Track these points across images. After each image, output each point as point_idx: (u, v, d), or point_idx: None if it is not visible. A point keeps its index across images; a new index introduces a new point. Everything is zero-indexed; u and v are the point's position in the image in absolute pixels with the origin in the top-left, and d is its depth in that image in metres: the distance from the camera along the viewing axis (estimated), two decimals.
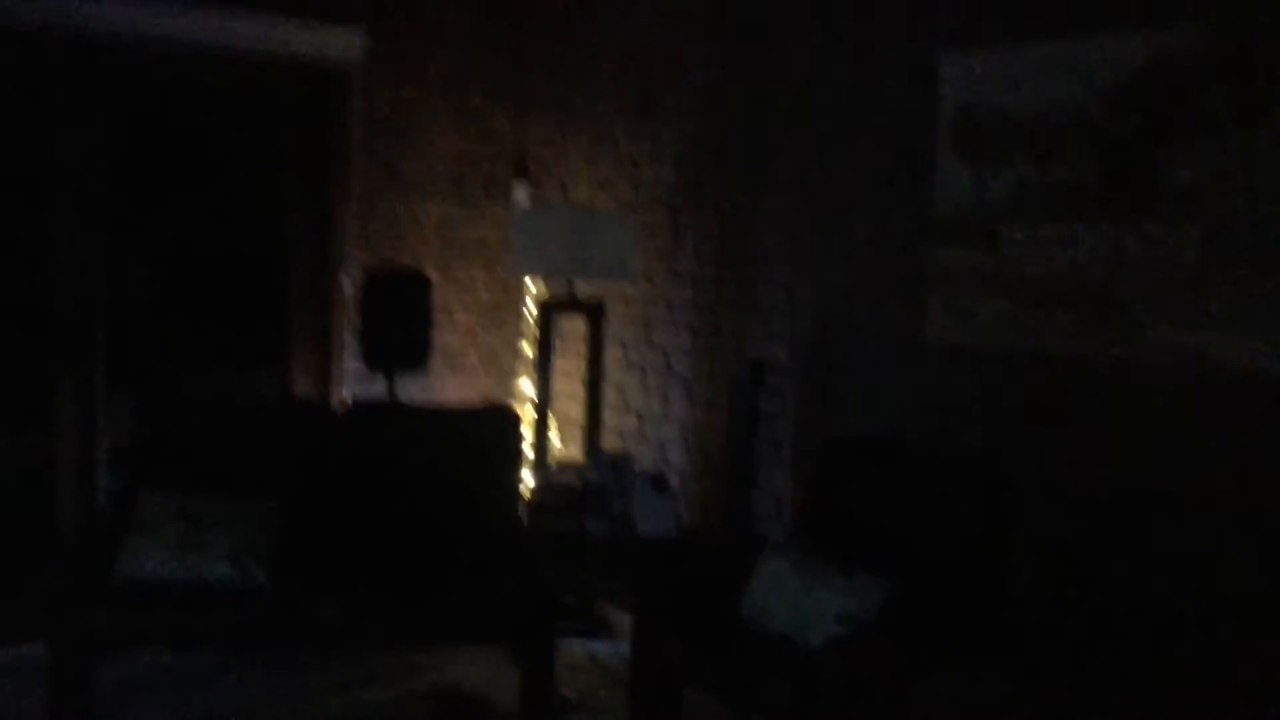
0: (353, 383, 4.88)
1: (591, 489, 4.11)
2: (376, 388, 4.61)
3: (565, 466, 4.43)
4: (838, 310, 4.08)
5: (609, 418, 4.87)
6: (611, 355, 4.87)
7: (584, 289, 4.70)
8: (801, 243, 4.19)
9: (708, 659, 3.34)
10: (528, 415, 4.80)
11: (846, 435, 3.90)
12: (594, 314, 4.61)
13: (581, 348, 4.83)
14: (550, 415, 4.74)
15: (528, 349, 5.15)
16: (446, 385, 5.13)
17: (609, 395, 4.87)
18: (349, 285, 4.81)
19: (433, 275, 4.75)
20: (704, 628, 3.44)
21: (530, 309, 5.15)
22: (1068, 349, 3.44)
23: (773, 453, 4.29)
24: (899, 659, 3.02)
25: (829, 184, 4.09)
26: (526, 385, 5.12)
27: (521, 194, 5.25)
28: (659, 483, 4.13)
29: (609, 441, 4.87)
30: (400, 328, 4.50)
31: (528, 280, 5.17)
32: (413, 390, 4.82)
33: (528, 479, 4.54)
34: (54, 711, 3.45)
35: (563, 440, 5.10)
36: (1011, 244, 3.56)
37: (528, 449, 4.56)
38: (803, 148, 4.19)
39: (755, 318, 4.37)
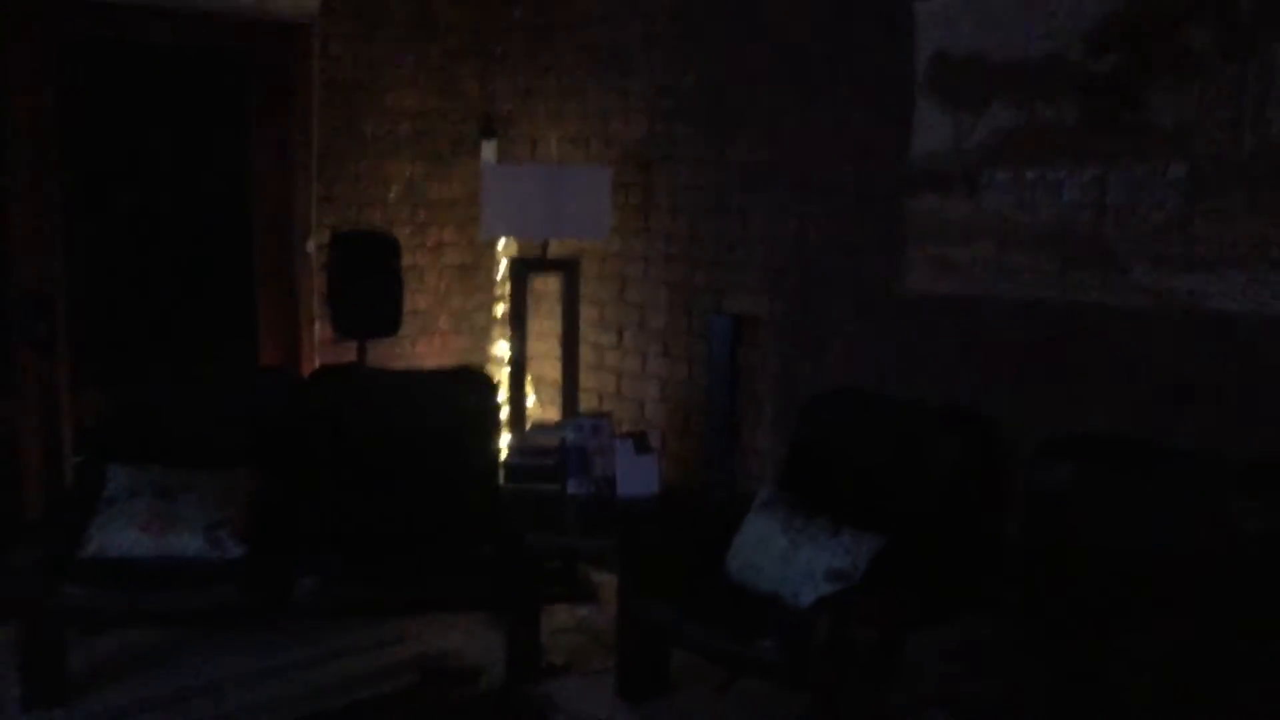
0: (324, 351, 4.77)
1: (571, 450, 4.04)
2: (348, 356, 4.51)
3: (543, 428, 4.36)
4: (818, 262, 4.01)
5: (586, 378, 4.80)
6: (587, 314, 4.79)
7: (557, 247, 4.61)
8: (778, 195, 4.11)
9: (695, 619, 3.30)
10: (503, 377, 4.73)
11: (829, 390, 3.85)
12: (568, 272, 4.53)
13: (556, 307, 4.76)
14: (526, 377, 4.66)
15: (501, 310, 5.05)
16: (419, 350, 5.04)
17: (586, 355, 4.80)
18: (314, 250, 4.68)
19: (401, 237, 4.64)
20: (690, 587, 3.40)
21: (502, 269, 5.03)
22: (1052, 295, 3.39)
23: (754, 409, 4.25)
24: (890, 614, 2.99)
25: (804, 134, 4.01)
26: (501, 347, 5.02)
27: (489, 152, 5.13)
28: (640, 442, 4.07)
29: (587, 402, 4.81)
30: (369, 292, 4.40)
31: (499, 240, 5.04)
32: (385, 356, 4.73)
33: (505, 442, 4.46)
34: (26, 692, 3.39)
35: (540, 402, 5.04)
36: (992, 189, 3.50)
37: (504, 412, 4.48)
38: (776, 99, 4.09)
39: (733, 272, 4.30)
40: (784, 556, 3.34)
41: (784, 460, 3.85)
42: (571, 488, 4.00)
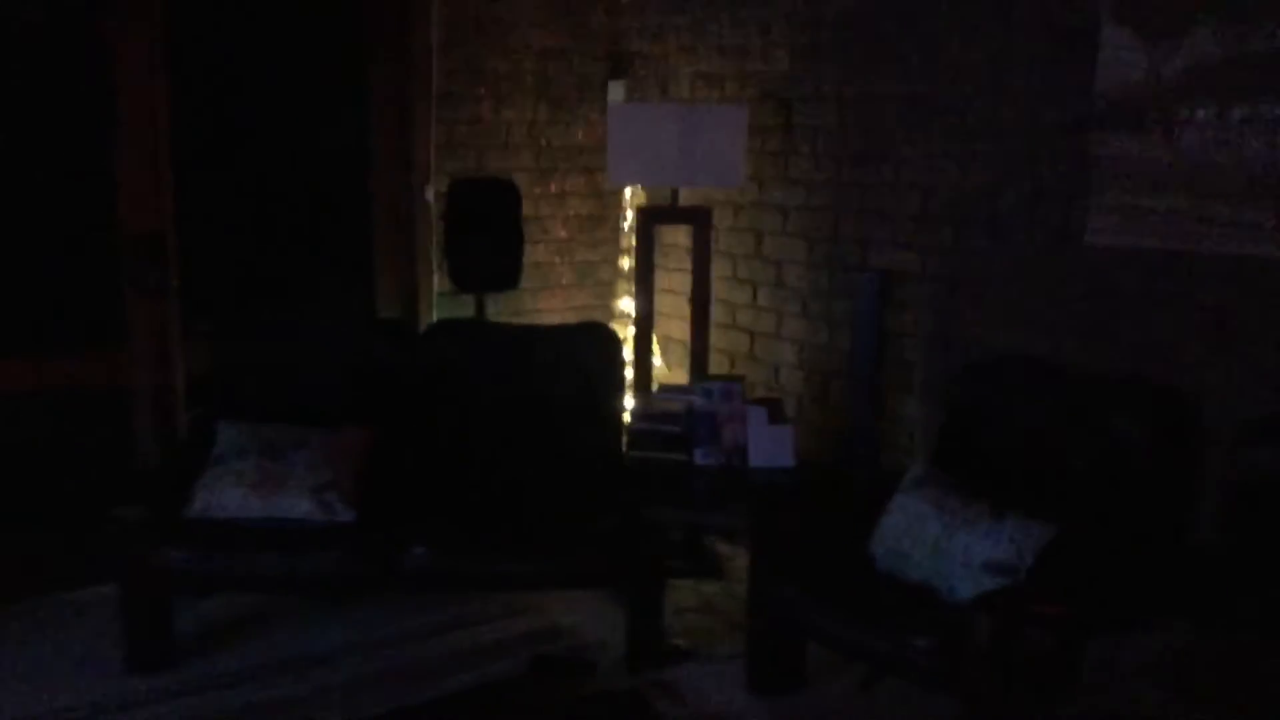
0: (441, 305, 4.58)
1: (699, 417, 3.72)
2: (466, 310, 4.30)
3: (670, 391, 4.05)
4: (979, 212, 3.60)
5: (717, 338, 4.48)
6: (719, 269, 4.48)
7: (688, 196, 4.29)
8: (936, 137, 3.71)
9: (836, 610, 2.99)
10: (628, 336, 4.46)
11: (991, 356, 3.46)
12: (699, 223, 4.19)
13: (686, 261, 4.47)
14: (653, 336, 4.36)
15: (627, 264, 4.77)
16: (540, 305, 4.84)
17: (717, 313, 4.48)
18: (434, 198, 4.45)
19: (523, 185, 4.40)
20: (831, 574, 3.08)
21: (629, 220, 4.74)
22: (1261, 251, 2.92)
23: (902, 376, 3.88)
24: (1068, 617, 2.59)
25: (970, 66, 3.58)
26: (626, 303, 4.75)
27: (618, 93, 4.83)
28: (775, 410, 3.73)
29: (717, 364, 4.51)
30: (489, 243, 4.17)
31: (626, 189, 4.75)
32: (504, 311, 4.53)
33: (629, 405, 4.18)
34: (130, 654, 3.31)
35: (666, 363, 4.76)
36: (1192, 129, 3.05)
37: (629, 372, 4.20)
38: (934, 28, 3.66)
39: (882, 223, 3.91)
40: (937, 543, 3.00)
41: (936, 434, 3.47)
42: (699, 458, 3.68)
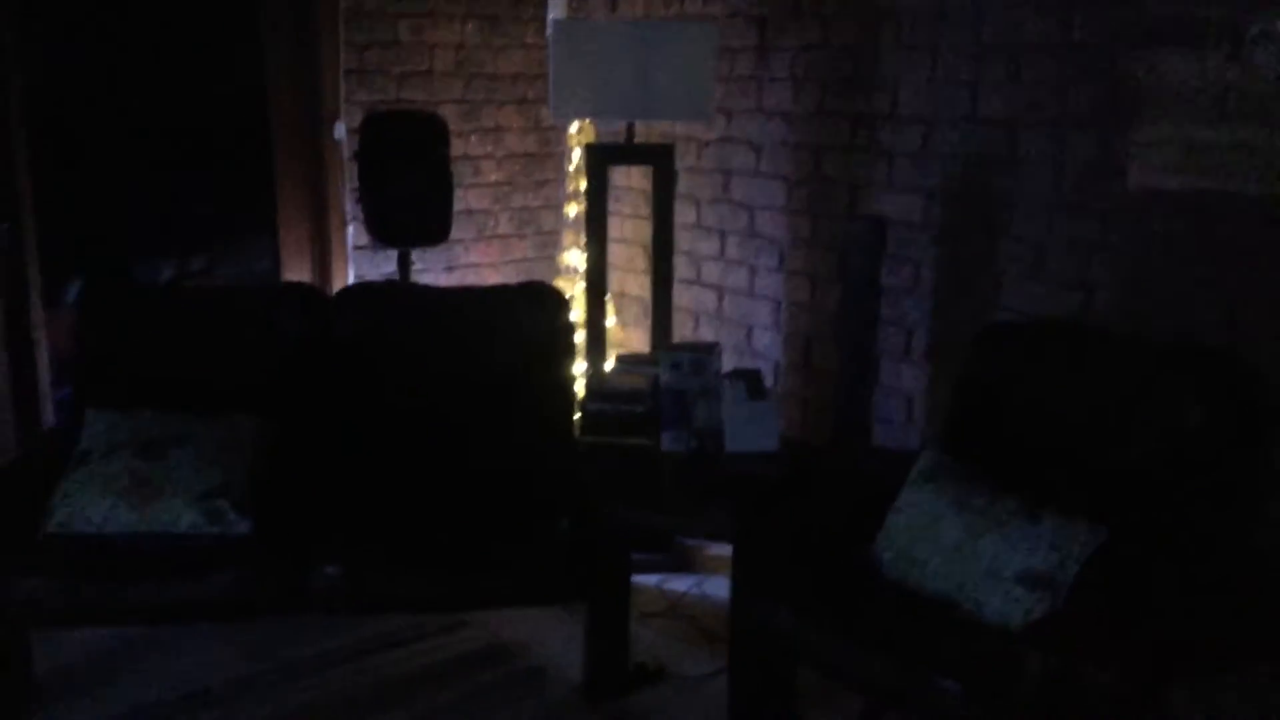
0: (359, 261, 4.05)
1: (666, 394, 3.17)
2: (388, 267, 3.74)
3: (630, 363, 3.49)
4: (996, 147, 3.11)
5: (679, 295, 3.98)
6: (680, 215, 3.94)
7: (645, 131, 3.79)
8: (943, 56, 3.20)
9: (838, 634, 2.47)
10: (576, 294, 3.96)
11: (1013, 318, 3.02)
12: (659, 163, 3.65)
13: (640, 206, 4.07)
14: (606, 293, 3.81)
15: (573, 210, 4.26)
16: (473, 258, 4.36)
17: (680, 266, 3.97)
18: (345, 135, 3.90)
19: (451, 119, 3.88)
20: (827, 586, 2.59)
21: (576, 160, 4.23)
22: None
23: (900, 340, 3.41)
24: (1141, 650, 2.09)
25: None
26: (575, 256, 4.22)
27: (560, 10, 4.32)
28: (754, 383, 3.18)
29: (680, 325, 4.01)
30: (412, 188, 3.60)
31: (572, 124, 4.23)
32: (431, 267, 4.03)
33: (581, 379, 3.65)
34: None
35: (622, 325, 4.23)
36: (1266, 45, 2.55)
37: (579, 337, 3.66)
38: None
39: (876, 161, 3.43)
40: (959, 547, 2.52)
41: (947, 411, 2.97)
42: (666, 443, 3.13)
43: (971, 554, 2.47)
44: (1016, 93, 3.03)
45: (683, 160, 3.95)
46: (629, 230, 4.26)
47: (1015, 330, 2.90)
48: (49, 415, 3.52)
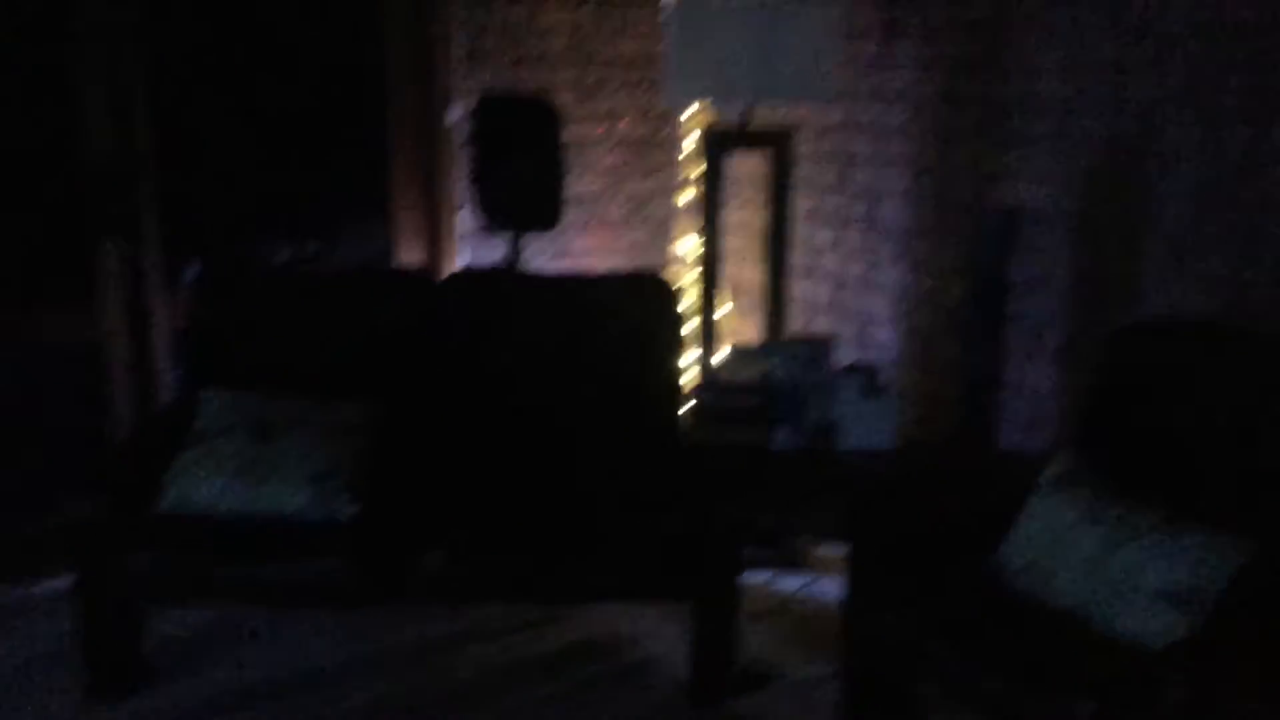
0: (470, 246, 4.03)
1: (779, 388, 3.07)
2: (499, 251, 3.75)
3: (741, 353, 3.40)
4: (1138, 135, 2.93)
5: (794, 286, 3.88)
6: (799, 203, 3.86)
7: (762, 116, 3.66)
8: (1088, 36, 3.04)
9: (960, 648, 2.35)
10: (689, 283, 3.88)
11: (1154, 317, 2.86)
12: (777, 149, 3.56)
13: (754, 194, 3.97)
14: (719, 283, 3.73)
15: (688, 198, 4.17)
16: (584, 244, 4.30)
17: (796, 257, 3.87)
18: (460, 120, 3.88)
19: (564, 103, 3.85)
20: (951, 596, 2.47)
21: (690, 145, 4.15)
22: None
23: (1029, 338, 3.25)
24: None
25: None
26: (688, 244, 4.16)
27: None
28: (870, 379, 3.06)
29: (796, 317, 3.91)
30: (524, 173, 3.56)
31: (687, 108, 4.17)
32: (541, 252, 3.97)
33: (690, 371, 3.58)
34: (90, 679, 2.77)
35: (737, 315, 4.13)
36: None
37: (689, 331, 3.60)
38: None
39: (1008, 149, 3.28)
40: (1093, 559, 2.38)
41: (1079, 413, 2.81)
42: (778, 438, 3.03)
43: (1107, 567, 2.34)
44: (1164, 76, 2.86)
45: (800, 147, 3.83)
46: (740, 218, 4.18)
47: (1155, 329, 2.74)
48: (163, 394, 3.58)
